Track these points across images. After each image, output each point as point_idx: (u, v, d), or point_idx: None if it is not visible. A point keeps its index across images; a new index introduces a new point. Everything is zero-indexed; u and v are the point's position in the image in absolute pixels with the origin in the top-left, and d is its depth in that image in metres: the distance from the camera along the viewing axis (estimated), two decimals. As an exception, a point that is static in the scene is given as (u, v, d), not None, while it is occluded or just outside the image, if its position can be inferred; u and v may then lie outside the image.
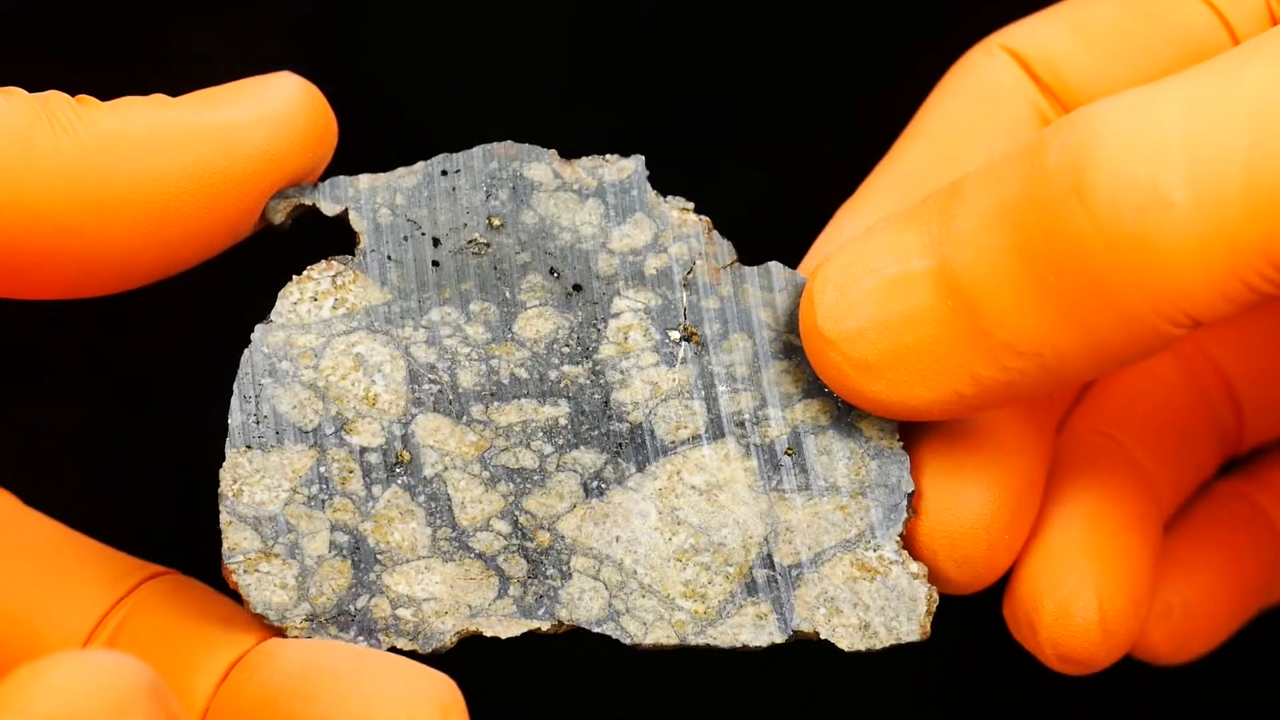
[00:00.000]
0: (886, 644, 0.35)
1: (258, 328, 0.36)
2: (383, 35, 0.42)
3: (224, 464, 0.35)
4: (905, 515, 0.36)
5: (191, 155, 0.34)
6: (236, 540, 0.34)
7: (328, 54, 0.43)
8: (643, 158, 0.37)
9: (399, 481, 0.35)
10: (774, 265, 0.37)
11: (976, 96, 0.35)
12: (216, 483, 0.35)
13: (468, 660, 0.35)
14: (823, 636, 0.35)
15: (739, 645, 0.35)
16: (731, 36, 0.45)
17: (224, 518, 0.35)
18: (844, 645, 0.35)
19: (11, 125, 0.32)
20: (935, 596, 0.35)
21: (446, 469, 0.35)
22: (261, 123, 0.34)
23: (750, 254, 0.37)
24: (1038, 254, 0.31)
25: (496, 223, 0.36)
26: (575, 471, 0.35)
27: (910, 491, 0.36)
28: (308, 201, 0.36)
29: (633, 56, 0.44)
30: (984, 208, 0.32)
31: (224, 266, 0.36)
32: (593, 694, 0.49)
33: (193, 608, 0.35)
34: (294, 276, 0.36)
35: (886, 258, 0.33)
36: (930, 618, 0.35)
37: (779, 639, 0.35)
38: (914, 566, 0.35)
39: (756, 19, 0.45)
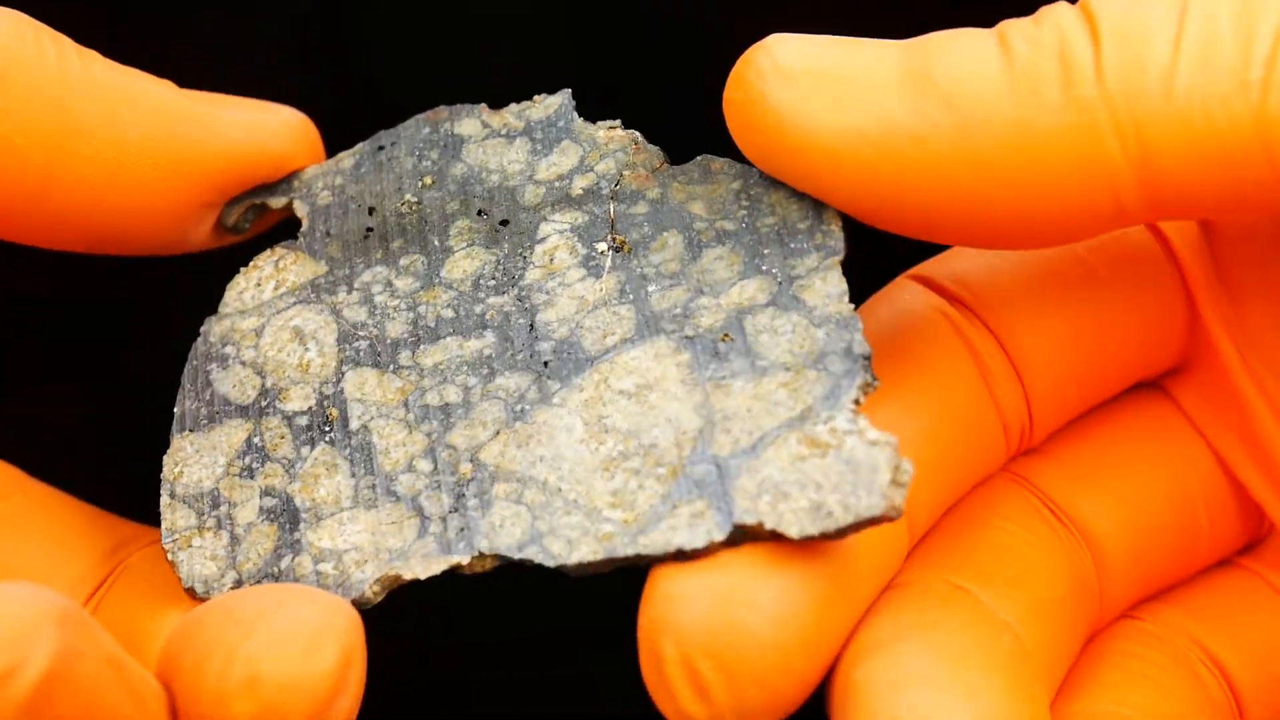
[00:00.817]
0: (845, 523, 0.30)
1: (206, 321, 0.36)
2: (382, 33, 0.43)
3: (169, 451, 0.35)
4: (861, 379, 0.31)
5: (164, 127, 0.34)
6: (173, 520, 0.34)
7: (327, 52, 0.43)
8: (569, 91, 0.36)
9: (326, 439, 0.34)
10: (704, 157, 0.35)
11: (879, 305, 0.35)
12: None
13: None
14: (768, 526, 0.31)
15: (673, 549, 0.31)
16: (732, 35, 0.45)
17: (164, 501, 0.34)
18: (793, 532, 0.30)
19: (6, 35, 0.34)
20: (906, 467, 0.30)
21: (372, 418, 0.34)
22: (247, 127, 0.35)
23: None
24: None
25: (428, 181, 0.36)
26: (499, 399, 0.33)
27: (866, 354, 0.31)
28: (257, 200, 0.36)
29: (634, 55, 0.43)
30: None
31: (229, 272, 0.36)
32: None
33: (169, 573, 0.34)
34: (241, 269, 0.36)
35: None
36: (899, 489, 0.30)
37: (718, 536, 0.31)
38: (873, 434, 0.31)
39: (757, 19, 0.45)
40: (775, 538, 0.31)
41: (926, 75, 0.30)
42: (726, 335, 0.33)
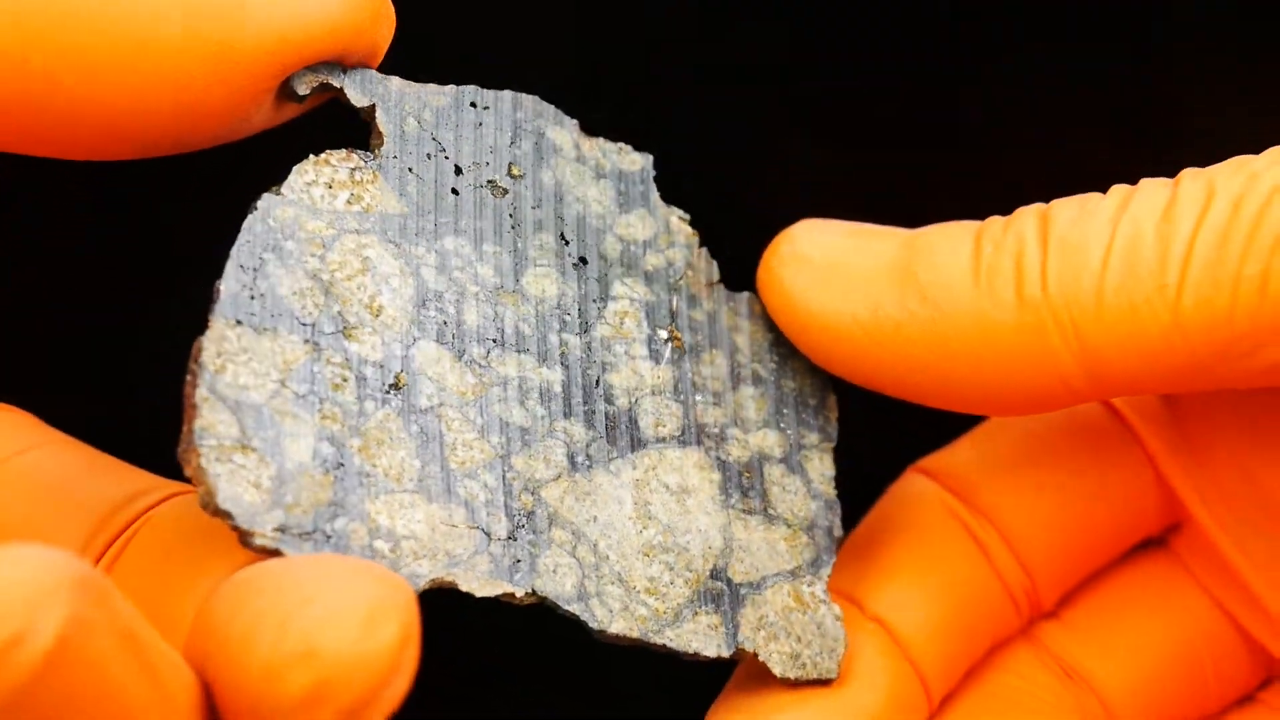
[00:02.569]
0: (810, 677, 0.35)
1: (265, 196, 0.33)
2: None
3: (208, 333, 0.31)
4: (833, 559, 0.36)
5: (191, 20, 0.31)
6: (211, 420, 0.30)
7: None
8: (651, 157, 0.37)
9: (392, 404, 0.33)
10: (748, 296, 0.37)
11: (891, 498, 0.39)
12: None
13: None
14: (760, 658, 0.35)
15: (691, 652, 0.34)
16: (730, 36, 0.46)
17: (200, 393, 0.30)
18: (777, 670, 0.35)
19: None
20: (845, 640, 0.35)
21: (442, 404, 0.33)
22: (285, 2, 0.32)
23: (750, 250, 0.37)
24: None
25: (517, 172, 0.35)
26: (563, 441, 0.34)
27: (841, 538, 0.36)
28: (335, 83, 0.34)
29: (640, 54, 0.44)
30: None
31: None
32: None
33: (199, 527, 0.31)
34: (310, 156, 0.33)
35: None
36: (844, 658, 0.35)
37: (725, 653, 0.35)
38: (836, 609, 0.36)
39: (755, 19, 0.46)
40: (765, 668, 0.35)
41: (911, 270, 0.35)
42: (748, 473, 0.36)
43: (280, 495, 0.31)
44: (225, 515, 0.30)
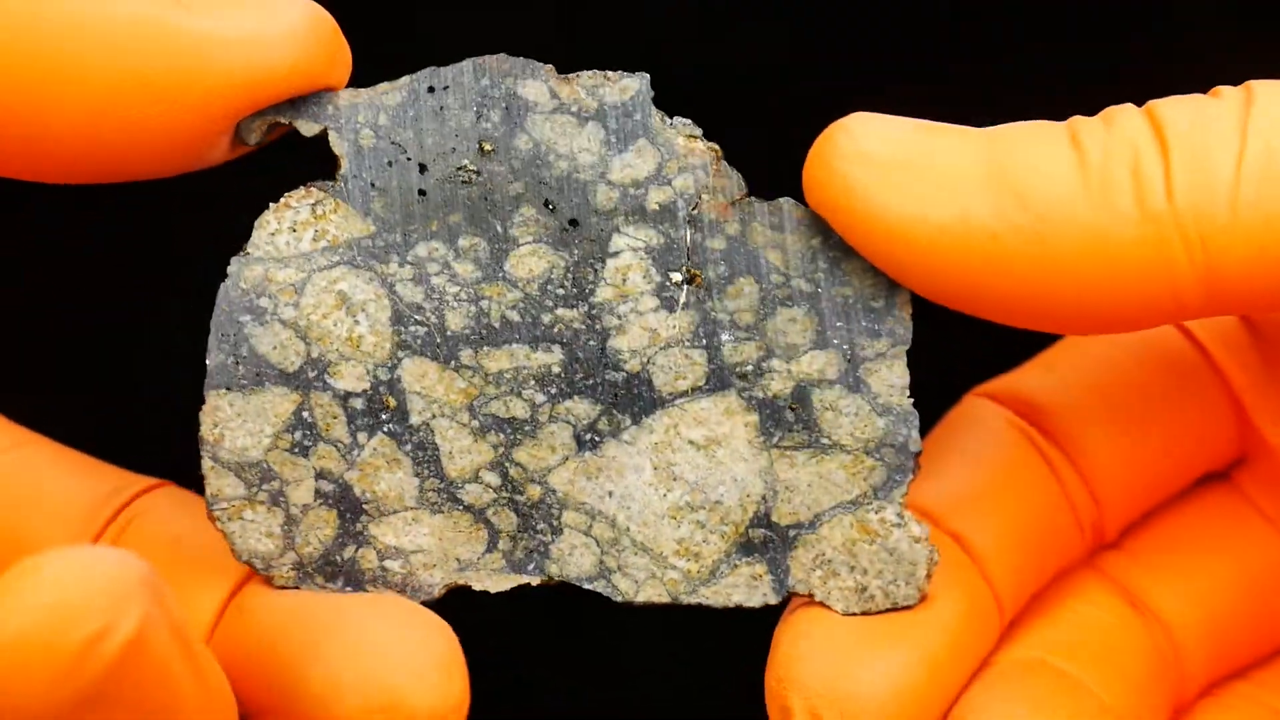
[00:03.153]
0: (883, 608, 0.34)
1: (234, 261, 0.34)
2: (376, 29, 0.40)
3: (203, 408, 0.34)
4: (911, 476, 0.34)
5: (144, 57, 0.32)
6: (219, 486, 0.34)
7: None
8: (647, 76, 0.34)
9: (384, 429, 0.34)
10: (786, 202, 0.33)
11: (955, 420, 0.37)
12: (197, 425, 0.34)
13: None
14: (818, 598, 0.34)
15: (732, 605, 0.34)
16: (730, 35, 0.45)
17: (206, 463, 0.34)
18: (839, 608, 0.34)
19: None
20: (936, 558, 0.34)
21: (434, 417, 0.34)
22: (245, 42, 0.32)
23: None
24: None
25: (488, 148, 0.34)
26: (568, 422, 0.34)
27: (919, 451, 0.34)
28: (284, 120, 0.33)
29: (631, 45, 0.43)
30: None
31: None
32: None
33: (190, 525, 0.35)
34: (271, 205, 0.34)
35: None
36: (930, 580, 0.34)
37: (773, 600, 0.34)
38: (915, 529, 0.34)
39: (756, 18, 0.45)
40: (823, 607, 0.34)
41: (1003, 173, 0.32)
42: (795, 405, 0.34)
43: (291, 538, 0.34)
44: (249, 565, 0.34)
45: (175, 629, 0.29)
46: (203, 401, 0.34)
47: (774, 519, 0.34)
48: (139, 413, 0.45)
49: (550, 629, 0.48)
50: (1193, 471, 0.38)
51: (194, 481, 0.35)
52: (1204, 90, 0.33)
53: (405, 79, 0.34)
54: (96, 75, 0.31)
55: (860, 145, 0.32)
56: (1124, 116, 0.32)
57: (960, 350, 0.35)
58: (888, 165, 0.32)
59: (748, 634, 0.36)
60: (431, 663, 0.32)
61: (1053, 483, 0.37)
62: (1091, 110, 0.34)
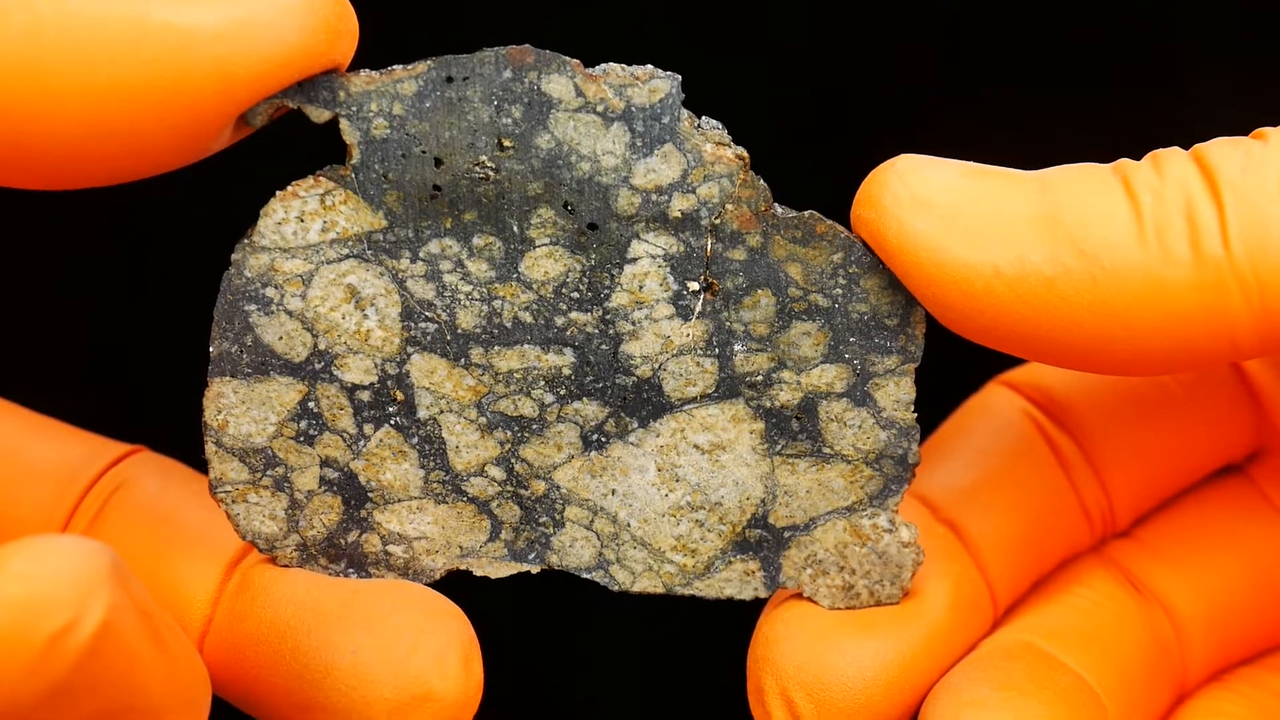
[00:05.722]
0: (866, 605, 0.35)
1: (238, 249, 0.33)
2: (371, 29, 0.38)
3: (207, 392, 0.34)
4: (907, 485, 0.34)
5: (128, 59, 0.30)
6: (223, 471, 0.34)
7: None
8: (678, 78, 0.33)
9: (391, 422, 0.34)
10: (811, 215, 0.33)
11: (971, 407, 0.38)
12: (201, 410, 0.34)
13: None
14: (806, 594, 0.35)
15: (723, 597, 0.35)
16: (730, 34, 0.44)
17: (209, 448, 0.34)
18: (825, 603, 0.35)
19: None
20: (921, 559, 0.35)
21: (442, 412, 0.34)
22: (235, 32, 0.30)
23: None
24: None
25: (507, 144, 0.33)
26: (576, 423, 0.34)
27: (915, 464, 0.34)
28: (291, 104, 0.32)
29: (633, 48, 0.42)
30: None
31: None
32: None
33: (178, 496, 0.35)
34: (277, 193, 0.33)
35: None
36: (912, 579, 0.35)
37: (763, 594, 0.35)
38: (905, 534, 0.34)
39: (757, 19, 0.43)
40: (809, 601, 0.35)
41: (1059, 218, 0.32)
42: (800, 415, 0.34)
43: (295, 522, 0.34)
44: (253, 544, 0.35)
45: (144, 615, 0.29)
46: (205, 386, 0.34)
47: (770, 520, 0.35)
48: (138, 410, 0.44)
49: (548, 621, 0.49)
50: (1208, 464, 0.39)
51: (178, 455, 0.36)
52: (1209, 123, 0.33)
53: (422, 65, 0.33)
54: (77, 79, 0.30)
55: (914, 190, 0.32)
56: (1174, 162, 0.32)
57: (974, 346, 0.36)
58: (944, 211, 0.32)
59: (743, 632, 0.37)
60: (456, 653, 0.32)
61: (1059, 473, 0.37)
62: (1089, 124, 0.33)
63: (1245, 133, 0.33)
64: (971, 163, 0.33)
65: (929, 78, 0.46)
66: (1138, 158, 0.33)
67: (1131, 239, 0.32)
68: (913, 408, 0.34)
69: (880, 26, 0.46)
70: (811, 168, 0.38)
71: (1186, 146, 0.33)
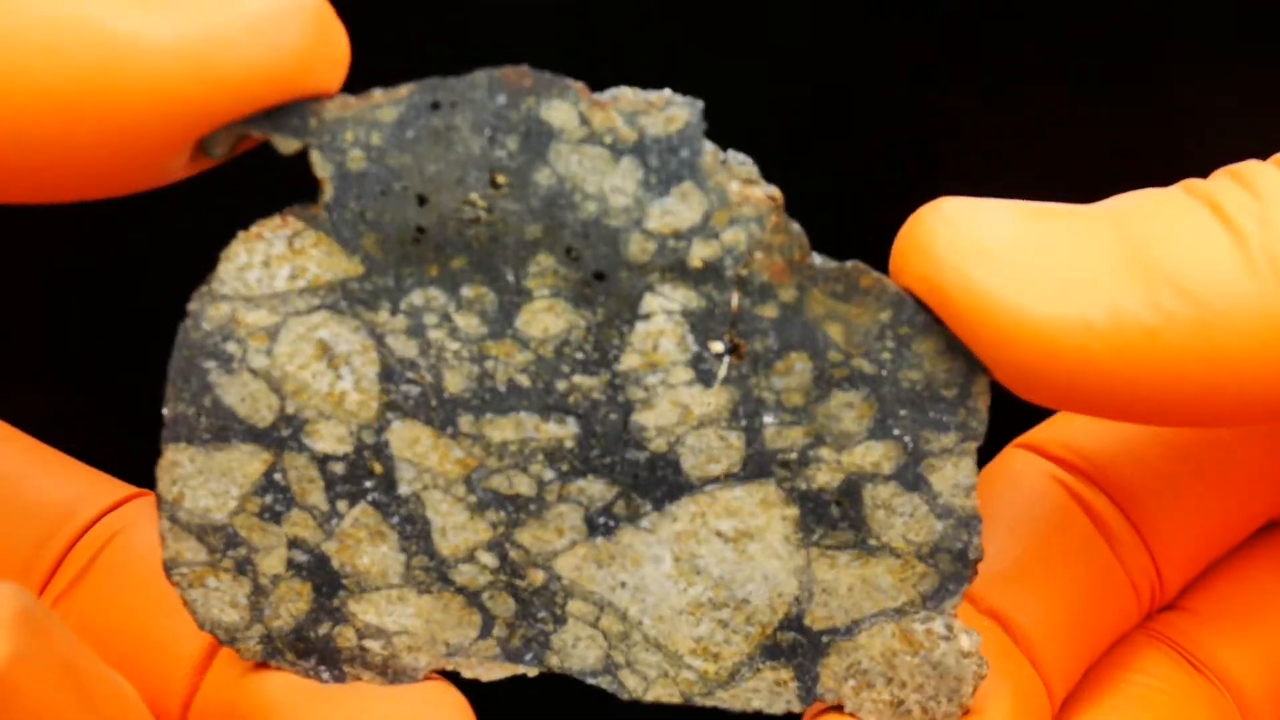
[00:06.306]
0: None
1: (195, 297, 0.29)
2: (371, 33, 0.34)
3: (160, 461, 0.30)
4: (966, 585, 0.29)
5: (63, 68, 0.26)
6: (178, 550, 0.30)
7: None
8: (699, 104, 0.28)
9: (368, 498, 0.30)
10: (855, 266, 0.29)
11: (991, 478, 0.34)
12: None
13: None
14: (848, 710, 0.30)
15: (750, 710, 0.30)
16: (730, 34, 0.40)
17: (163, 524, 0.30)
18: None
19: None
20: (984, 672, 0.30)
21: (426, 488, 0.30)
22: (193, 47, 0.26)
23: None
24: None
25: (501, 181, 0.28)
26: (579, 504, 0.29)
27: (978, 559, 0.29)
28: (255, 133, 0.28)
29: (630, 53, 0.38)
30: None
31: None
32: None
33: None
34: (240, 234, 0.29)
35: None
36: (973, 695, 0.30)
37: (797, 708, 0.30)
38: (965, 643, 0.30)
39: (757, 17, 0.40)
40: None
41: (1150, 259, 0.28)
42: (841, 500, 0.29)
43: (259, 610, 0.30)
44: (211, 635, 0.30)
45: (64, 669, 0.26)
46: (158, 454, 0.30)
47: (806, 622, 0.30)
48: (135, 413, 0.42)
49: (549, 705, 0.45)
50: (1258, 520, 0.35)
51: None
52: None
53: (404, 89, 0.28)
54: (4, 88, 0.26)
55: (970, 237, 0.28)
56: (1266, 178, 0.28)
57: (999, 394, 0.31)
58: (1014, 261, 0.28)
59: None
60: None
61: (1103, 546, 0.33)
62: (1088, 130, 0.30)
63: (1245, 132, 0.28)
64: (1023, 201, 0.29)
65: (929, 78, 0.43)
66: (1138, 158, 0.28)
67: (1241, 273, 0.27)
68: (973, 493, 0.29)
69: (880, 26, 0.43)
70: (812, 168, 0.34)
71: (1186, 146, 0.28)
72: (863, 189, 0.34)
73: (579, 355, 0.29)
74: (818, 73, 0.43)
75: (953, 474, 0.29)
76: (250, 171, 0.31)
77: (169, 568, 0.30)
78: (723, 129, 0.30)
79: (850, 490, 0.29)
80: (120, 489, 0.33)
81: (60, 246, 0.45)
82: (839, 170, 0.39)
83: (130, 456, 0.35)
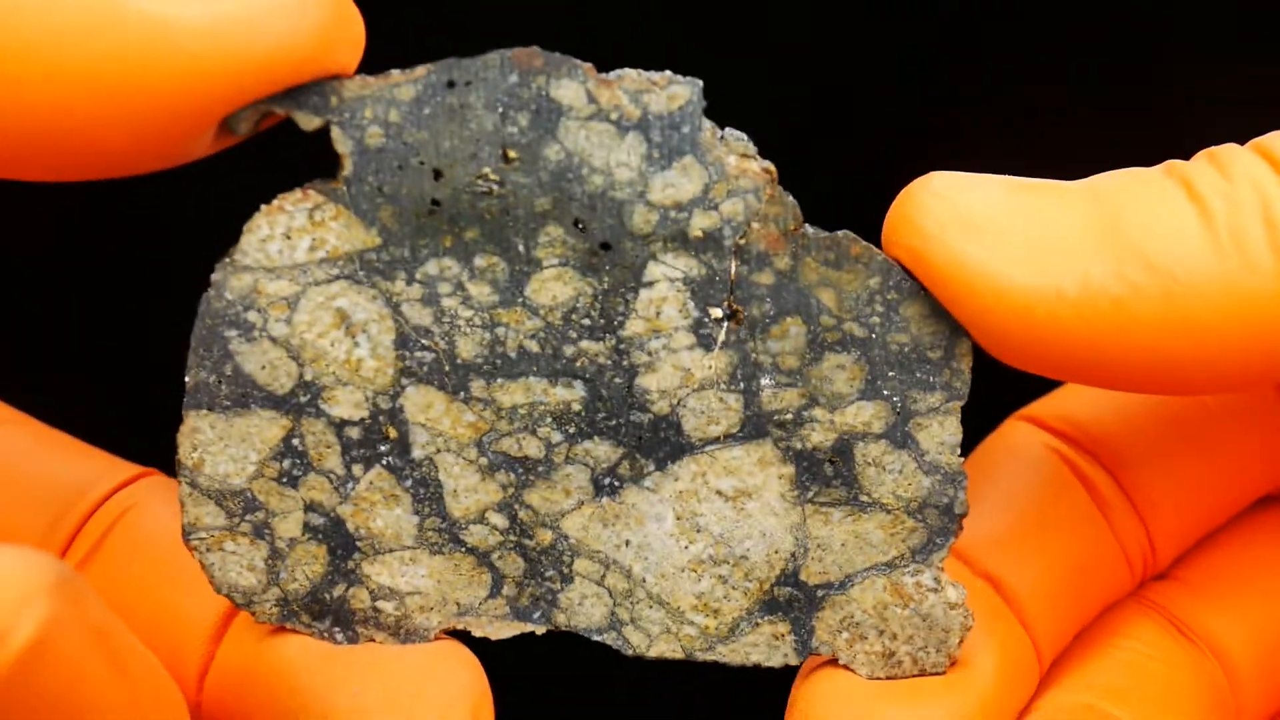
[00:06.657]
0: (910, 674, 0.31)
1: (218, 268, 0.30)
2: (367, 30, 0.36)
3: (182, 427, 0.31)
4: (953, 539, 0.31)
5: (96, 50, 0.27)
6: (198, 515, 0.31)
7: None
8: (699, 83, 0.30)
9: (383, 462, 0.31)
10: (846, 235, 0.30)
11: (992, 448, 0.35)
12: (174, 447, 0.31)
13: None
14: (842, 661, 0.31)
15: (750, 664, 0.32)
16: (730, 34, 0.42)
17: (183, 489, 0.31)
18: (863, 672, 0.31)
19: None
20: (970, 623, 0.31)
21: (439, 451, 0.31)
22: (219, 27, 0.28)
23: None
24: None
25: (513, 156, 0.30)
26: (586, 465, 0.31)
27: (963, 514, 0.31)
28: (279, 110, 0.29)
29: (630, 53, 0.40)
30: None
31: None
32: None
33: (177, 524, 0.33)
34: (262, 207, 0.30)
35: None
36: (960, 646, 0.32)
37: (794, 661, 0.32)
38: (952, 594, 0.31)
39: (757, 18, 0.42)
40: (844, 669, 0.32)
41: (1121, 231, 0.29)
42: (834, 459, 0.31)
43: (275, 574, 0.31)
44: (230, 599, 0.31)
45: (98, 635, 0.27)
46: (180, 420, 0.31)
47: (802, 577, 0.31)
48: (136, 405, 0.42)
49: (567, 675, 0.46)
50: (1250, 494, 0.36)
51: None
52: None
53: (422, 69, 0.30)
54: (38, 61, 0.27)
55: (959, 210, 0.30)
56: (1239, 160, 0.30)
57: (997, 369, 0.32)
58: (995, 232, 0.29)
59: (763, 691, 0.34)
60: (464, 706, 0.30)
61: (1096, 515, 0.34)
62: (1088, 127, 0.31)
63: (1245, 132, 0.30)
64: (1009, 176, 0.30)
65: (929, 78, 0.45)
66: (1139, 158, 0.30)
67: (1206, 248, 0.29)
68: (959, 450, 0.31)
69: (880, 26, 0.44)
70: (812, 168, 0.36)
71: (1186, 146, 0.30)
72: (863, 189, 0.36)
73: (586, 321, 0.30)
74: (818, 73, 0.44)
75: (939, 432, 0.31)
76: (267, 149, 0.33)
77: (188, 533, 0.31)
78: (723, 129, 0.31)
79: (843, 449, 0.31)
80: (129, 468, 0.34)
81: (67, 231, 0.46)
82: (839, 170, 0.40)
83: (138, 438, 0.36)
